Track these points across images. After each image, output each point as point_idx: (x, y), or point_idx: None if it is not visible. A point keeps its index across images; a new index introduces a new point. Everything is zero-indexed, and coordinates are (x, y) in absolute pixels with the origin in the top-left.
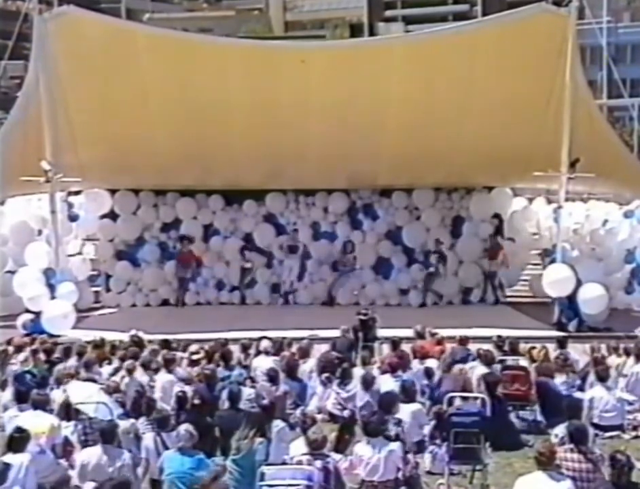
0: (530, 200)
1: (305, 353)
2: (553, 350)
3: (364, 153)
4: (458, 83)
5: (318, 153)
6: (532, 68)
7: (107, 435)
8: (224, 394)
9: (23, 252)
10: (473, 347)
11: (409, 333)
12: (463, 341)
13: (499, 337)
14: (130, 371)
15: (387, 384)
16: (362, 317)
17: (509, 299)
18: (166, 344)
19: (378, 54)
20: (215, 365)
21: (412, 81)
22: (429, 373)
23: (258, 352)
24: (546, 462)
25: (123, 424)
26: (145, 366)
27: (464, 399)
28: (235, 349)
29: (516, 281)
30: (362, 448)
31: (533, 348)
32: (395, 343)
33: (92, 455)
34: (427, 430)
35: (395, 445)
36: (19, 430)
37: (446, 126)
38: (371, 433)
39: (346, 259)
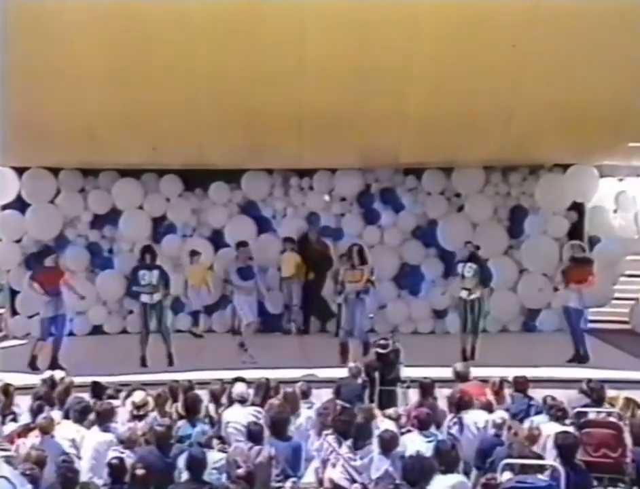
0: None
1: (298, 401)
2: None
3: (382, 116)
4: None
5: (316, 118)
6: None
7: None
8: (181, 461)
9: None
10: (539, 394)
11: (446, 373)
12: (521, 384)
13: (590, 381)
14: (45, 430)
15: (415, 445)
16: (380, 350)
17: (592, 325)
18: (97, 390)
19: None
20: (170, 418)
21: (449, 14)
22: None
23: (230, 401)
24: None
25: None
26: (68, 421)
27: (527, 467)
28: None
29: (606, 300)
30: None
31: (629, 398)
32: (425, 387)
33: None
34: None
35: None
36: None
37: (497, 77)
38: None
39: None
